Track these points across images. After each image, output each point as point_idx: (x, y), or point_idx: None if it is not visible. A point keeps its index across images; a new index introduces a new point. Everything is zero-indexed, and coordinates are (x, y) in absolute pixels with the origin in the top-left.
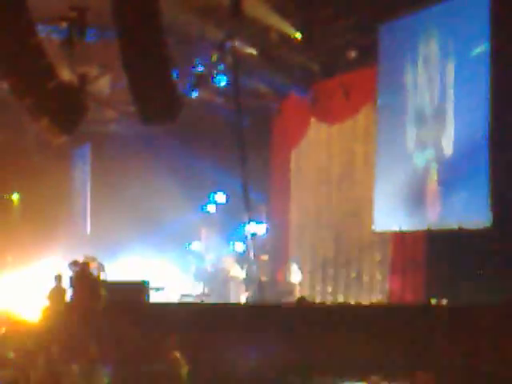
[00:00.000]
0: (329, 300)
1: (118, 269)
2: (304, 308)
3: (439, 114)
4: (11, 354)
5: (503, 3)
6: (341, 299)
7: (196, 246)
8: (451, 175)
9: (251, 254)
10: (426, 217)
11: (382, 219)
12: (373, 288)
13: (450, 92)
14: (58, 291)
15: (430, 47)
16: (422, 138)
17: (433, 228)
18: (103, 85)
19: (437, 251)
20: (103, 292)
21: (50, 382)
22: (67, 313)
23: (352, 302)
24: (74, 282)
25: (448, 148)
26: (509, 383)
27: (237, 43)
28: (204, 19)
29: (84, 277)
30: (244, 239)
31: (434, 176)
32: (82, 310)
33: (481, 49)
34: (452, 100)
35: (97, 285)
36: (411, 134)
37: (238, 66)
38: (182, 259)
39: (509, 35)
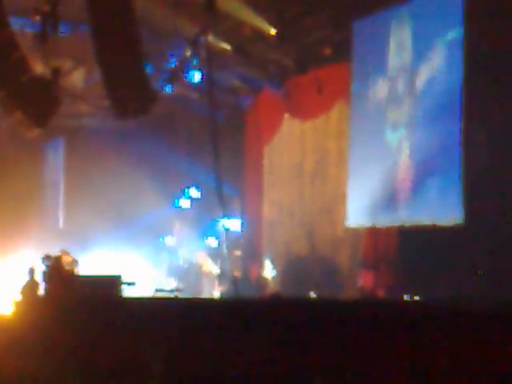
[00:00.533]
0: (302, 296)
1: (90, 263)
2: (278, 303)
3: (412, 96)
4: None
5: None
6: (313, 295)
7: (169, 240)
8: (424, 161)
9: (224, 250)
10: (398, 213)
11: (355, 215)
12: (345, 284)
13: (423, 78)
14: (30, 285)
15: (403, 33)
16: (396, 118)
17: (405, 224)
18: (77, 78)
19: (409, 247)
20: (76, 286)
21: (22, 377)
22: (40, 307)
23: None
24: (46, 276)
25: (419, 134)
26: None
27: (210, 38)
28: (178, 14)
29: (57, 271)
30: (217, 234)
31: (406, 153)
32: (55, 304)
33: (454, 34)
34: (424, 86)
35: (70, 279)
36: (384, 120)
37: (211, 61)
38: (156, 254)
39: (482, 21)
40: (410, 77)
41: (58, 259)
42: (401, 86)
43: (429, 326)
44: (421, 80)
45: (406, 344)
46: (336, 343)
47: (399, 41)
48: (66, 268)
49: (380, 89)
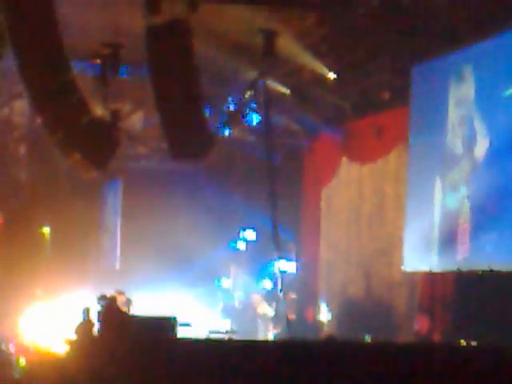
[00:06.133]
0: (356, 339)
1: (146, 304)
2: (332, 346)
3: (471, 154)
4: None
5: None
6: (369, 338)
7: (225, 282)
8: (482, 215)
9: (280, 292)
10: (455, 258)
11: (411, 259)
12: (401, 328)
13: (482, 133)
14: (85, 325)
15: (463, 88)
16: (454, 178)
17: (462, 269)
18: (135, 121)
19: (467, 292)
20: (131, 326)
21: None
22: (94, 347)
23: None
24: (101, 316)
25: (479, 188)
26: None
27: (269, 82)
28: (237, 57)
29: (112, 311)
30: (273, 277)
31: (466, 214)
32: (109, 344)
33: None
34: (484, 141)
35: (124, 319)
36: (443, 174)
37: (270, 105)
38: (211, 295)
39: None
40: (469, 133)
41: (113, 299)
42: (460, 141)
43: (486, 371)
44: (481, 136)
45: None
46: None
47: (458, 96)
48: (122, 308)
49: (438, 144)
